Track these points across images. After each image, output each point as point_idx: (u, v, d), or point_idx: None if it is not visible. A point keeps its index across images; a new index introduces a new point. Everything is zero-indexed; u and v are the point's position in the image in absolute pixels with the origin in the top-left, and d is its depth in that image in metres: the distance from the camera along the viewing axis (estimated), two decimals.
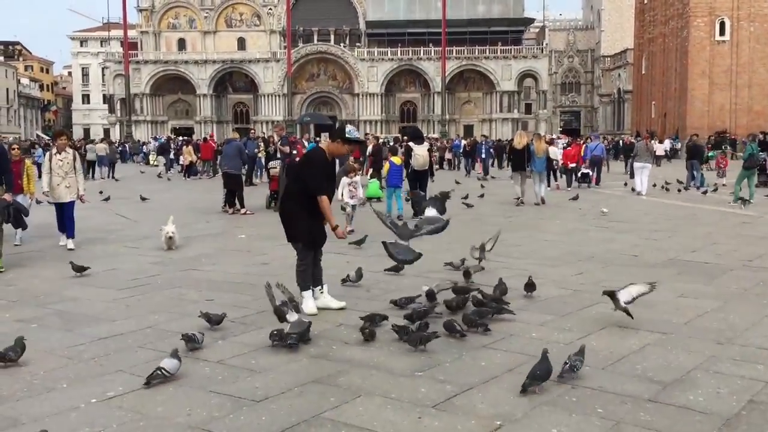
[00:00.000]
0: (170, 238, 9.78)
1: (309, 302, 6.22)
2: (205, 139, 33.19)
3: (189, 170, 29.56)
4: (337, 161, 6.79)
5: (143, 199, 17.75)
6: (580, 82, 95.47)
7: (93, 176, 28.15)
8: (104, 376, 4.58)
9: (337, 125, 38.20)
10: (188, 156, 29.84)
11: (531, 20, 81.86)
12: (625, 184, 21.18)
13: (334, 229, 6.11)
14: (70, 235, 10.19)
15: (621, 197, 18.34)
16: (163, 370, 4.42)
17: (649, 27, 62.15)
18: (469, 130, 73.07)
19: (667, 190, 19.33)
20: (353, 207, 11.69)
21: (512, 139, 18.70)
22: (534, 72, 77.02)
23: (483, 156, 29.02)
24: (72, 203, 10.24)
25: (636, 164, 19.38)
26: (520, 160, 16.12)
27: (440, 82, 60.12)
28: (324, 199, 6.06)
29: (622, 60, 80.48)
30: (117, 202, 17.29)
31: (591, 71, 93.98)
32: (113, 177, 28.76)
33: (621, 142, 39.50)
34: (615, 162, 35.08)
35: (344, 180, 11.58)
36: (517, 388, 4.26)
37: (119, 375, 4.59)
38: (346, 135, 6.26)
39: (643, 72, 64.19)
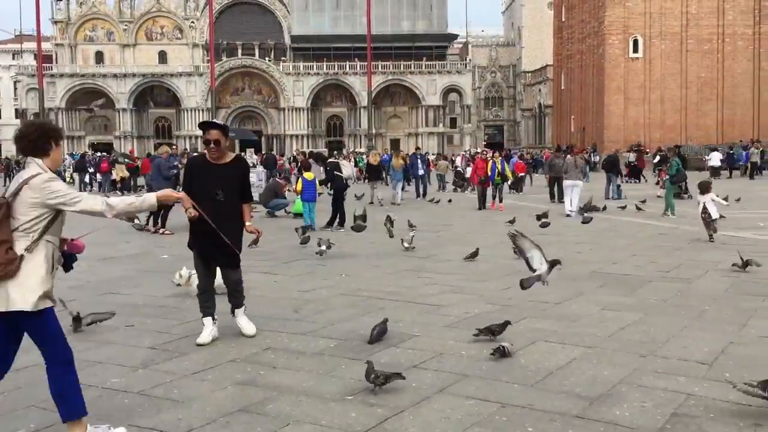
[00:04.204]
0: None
1: (203, 331, 5.74)
2: (148, 155, 32.54)
3: (123, 186, 28.79)
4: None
5: None
6: (502, 97, 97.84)
7: None
8: (15, 412, 4.30)
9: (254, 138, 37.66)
10: (119, 172, 29.09)
11: (454, 36, 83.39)
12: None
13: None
14: None
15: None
16: (505, 348, 5.15)
17: (567, 44, 64.27)
18: (395, 143, 73.58)
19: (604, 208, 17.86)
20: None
21: (368, 156, 24.80)
22: (458, 87, 78.42)
23: (421, 173, 24.74)
24: None
25: (566, 183, 17.67)
26: (377, 172, 21.90)
27: (366, 96, 60.39)
28: None
29: (543, 76, 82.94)
30: None
31: (513, 86, 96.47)
32: None
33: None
34: (537, 175, 36.03)
35: None
36: (448, 409, 4.23)
37: (31, 410, 4.32)
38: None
39: (563, 87, 66.27)
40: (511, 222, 14.87)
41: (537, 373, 4.95)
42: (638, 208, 17.60)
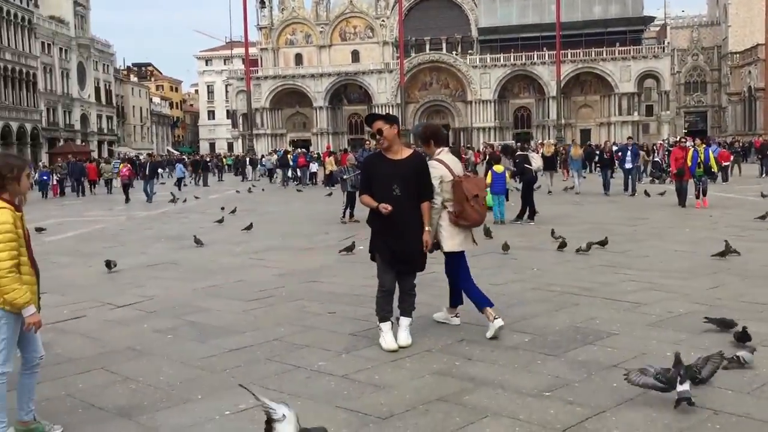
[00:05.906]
0: None
1: (386, 336, 5.55)
2: (345, 150, 34.14)
3: (329, 180, 30.44)
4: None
5: (198, 243, 12.38)
6: (705, 81, 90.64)
7: (271, 180, 38.95)
8: (236, 388, 4.70)
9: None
10: (329, 166, 30.90)
11: (651, 18, 78.67)
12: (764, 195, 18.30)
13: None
14: None
15: (754, 202, 17.18)
16: (741, 357, 4.73)
17: None
18: (586, 134, 71.09)
19: None
20: None
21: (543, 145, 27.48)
22: (655, 72, 73.94)
23: (629, 166, 21.88)
24: None
25: None
26: (551, 163, 23.64)
27: (555, 86, 58.84)
28: (363, 197, 5.65)
29: (753, 56, 75.62)
30: (241, 215, 17.98)
31: (718, 69, 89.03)
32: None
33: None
34: (746, 165, 33.16)
35: None
36: (654, 413, 4.05)
37: (250, 387, 4.72)
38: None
39: None
40: (763, 218, 13.35)
41: (754, 380, 4.56)
42: None
